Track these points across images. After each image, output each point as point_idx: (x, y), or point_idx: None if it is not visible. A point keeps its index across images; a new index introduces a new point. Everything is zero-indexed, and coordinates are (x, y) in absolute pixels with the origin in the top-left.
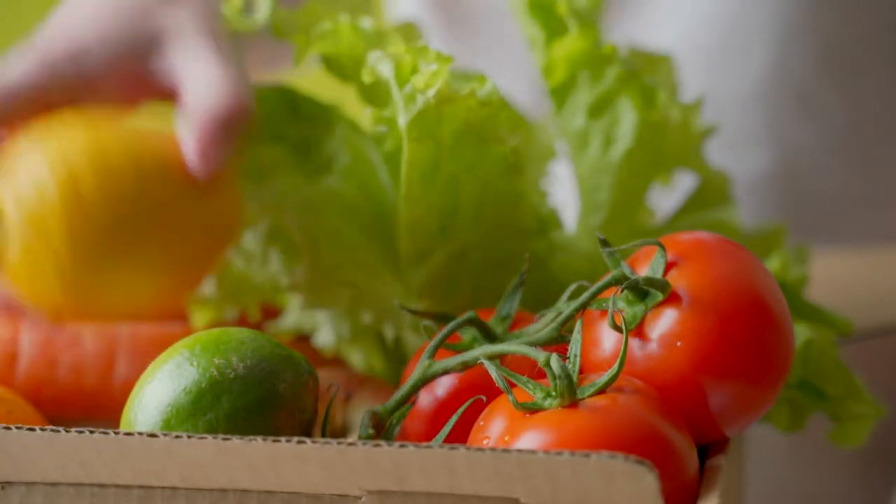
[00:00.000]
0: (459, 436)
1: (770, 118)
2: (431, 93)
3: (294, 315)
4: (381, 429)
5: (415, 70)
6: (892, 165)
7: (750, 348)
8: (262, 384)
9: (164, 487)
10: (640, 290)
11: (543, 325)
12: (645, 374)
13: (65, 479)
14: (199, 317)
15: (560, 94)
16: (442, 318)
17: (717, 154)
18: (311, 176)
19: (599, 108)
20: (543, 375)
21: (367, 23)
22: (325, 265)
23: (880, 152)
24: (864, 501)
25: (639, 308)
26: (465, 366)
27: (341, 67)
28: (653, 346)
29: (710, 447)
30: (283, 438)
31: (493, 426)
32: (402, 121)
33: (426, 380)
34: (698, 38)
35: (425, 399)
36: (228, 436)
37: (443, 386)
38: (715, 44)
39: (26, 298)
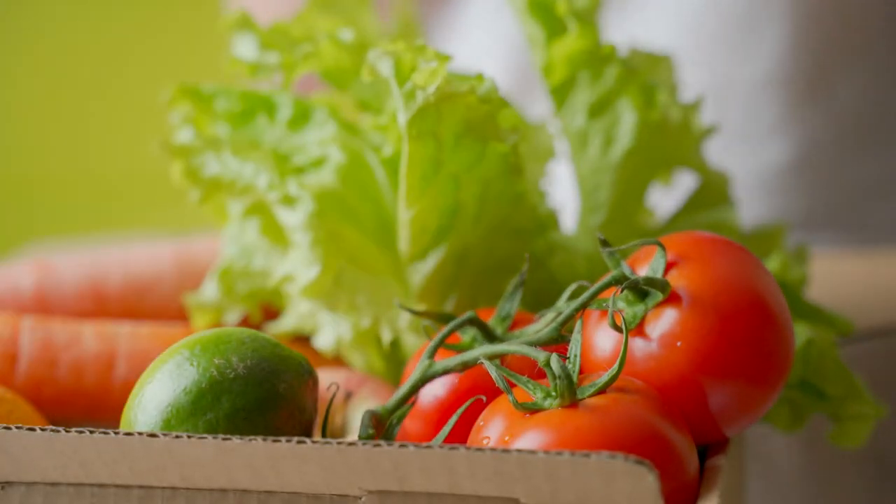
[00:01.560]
0: (459, 436)
1: (786, 106)
2: (431, 90)
3: (294, 316)
4: (381, 429)
5: (414, 68)
6: None
7: (750, 348)
8: (262, 384)
9: (164, 487)
10: (640, 290)
11: (543, 325)
12: (645, 374)
13: (65, 478)
14: (200, 318)
15: (560, 94)
16: (442, 318)
17: (730, 148)
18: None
19: (599, 108)
20: (543, 375)
21: (347, 35)
22: (327, 266)
23: None
24: (867, 502)
25: (639, 308)
26: (465, 366)
27: (332, 80)
28: (653, 346)
29: (710, 447)
30: (283, 438)
31: (493, 426)
32: (402, 119)
33: (426, 380)
34: (709, 25)
35: (425, 399)
36: (228, 436)
37: (443, 386)
38: (727, 30)
39: None
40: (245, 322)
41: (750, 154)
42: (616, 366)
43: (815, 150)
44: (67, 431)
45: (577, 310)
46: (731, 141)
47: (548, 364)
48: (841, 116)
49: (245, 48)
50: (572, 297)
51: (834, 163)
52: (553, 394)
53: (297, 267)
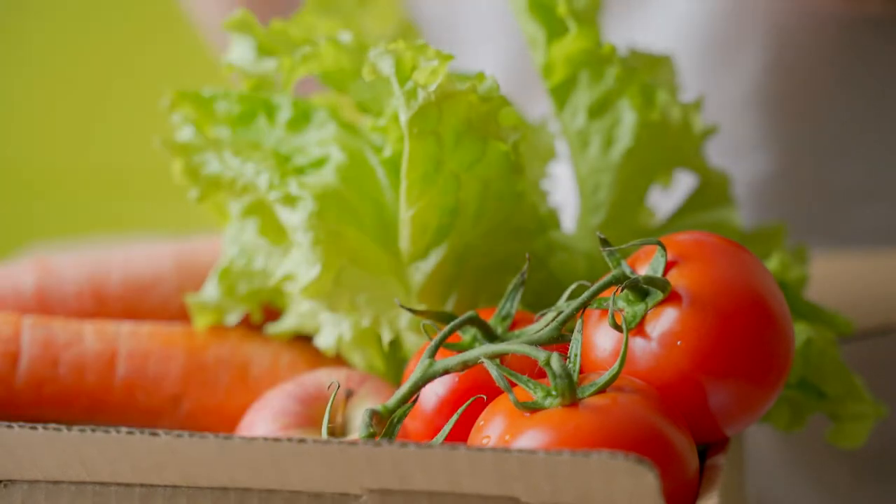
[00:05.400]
0: (460, 435)
1: (767, 120)
2: (432, 88)
3: (295, 315)
4: (381, 428)
5: (415, 66)
6: (891, 160)
7: (750, 348)
8: None
9: (165, 486)
10: (640, 290)
11: (544, 324)
12: (645, 374)
13: (66, 477)
14: (201, 318)
15: (560, 94)
16: (442, 318)
17: (714, 159)
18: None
19: (599, 108)
20: (544, 375)
21: (346, 36)
22: (327, 266)
23: (881, 148)
24: (869, 502)
25: (639, 307)
26: (466, 365)
27: (331, 83)
28: (653, 346)
29: (710, 446)
30: (283, 438)
31: (494, 425)
32: (403, 117)
33: (427, 379)
34: (691, 40)
35: (426, 398)
36: (230, 434)
37: (443, 385)
38: (708, 46)
39: None
40: (246, 322)
41: (731, 166)
42: (616, 365)
43: (794, 161)
44: (69, 430)
45: (577, 309)
46: (711, 154)
47: (548, 363)
48: (818, 128)
49: (240, 53)
50: (572, 296)
51: (812, 172)
52: (553, 393)
53: (297, 266)
